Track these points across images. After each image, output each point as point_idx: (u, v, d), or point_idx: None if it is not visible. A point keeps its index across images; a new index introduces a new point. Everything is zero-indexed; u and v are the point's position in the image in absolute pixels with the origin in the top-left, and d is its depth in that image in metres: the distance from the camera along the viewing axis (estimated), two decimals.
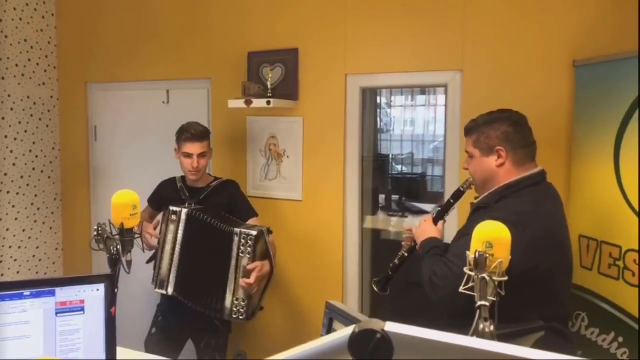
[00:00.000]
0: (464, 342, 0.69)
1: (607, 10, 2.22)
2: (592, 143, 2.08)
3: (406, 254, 1.99)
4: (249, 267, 2.21)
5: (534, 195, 1.70)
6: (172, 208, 2.32)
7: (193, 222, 2.30)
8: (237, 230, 2.23)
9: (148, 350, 2.46)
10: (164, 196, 2.60)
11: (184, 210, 2.30)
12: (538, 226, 1.61)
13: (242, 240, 2.22)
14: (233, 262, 2.22)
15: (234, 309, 2.22)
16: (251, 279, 2.19)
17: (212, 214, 2.32)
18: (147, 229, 2.48)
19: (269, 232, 2.38)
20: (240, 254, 2.22)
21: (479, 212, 1.71)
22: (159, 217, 2.48)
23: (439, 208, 1.99)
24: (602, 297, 1.99)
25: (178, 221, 2.29)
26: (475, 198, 1.90)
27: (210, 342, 2.44)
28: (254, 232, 2.22)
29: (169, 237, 2.31)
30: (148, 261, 2.44)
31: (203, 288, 2.29)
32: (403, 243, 2.05)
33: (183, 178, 2.58)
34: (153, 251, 2.43)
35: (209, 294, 2.27)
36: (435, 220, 1.93)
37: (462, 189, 1.90)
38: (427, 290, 1.69)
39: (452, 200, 1.93)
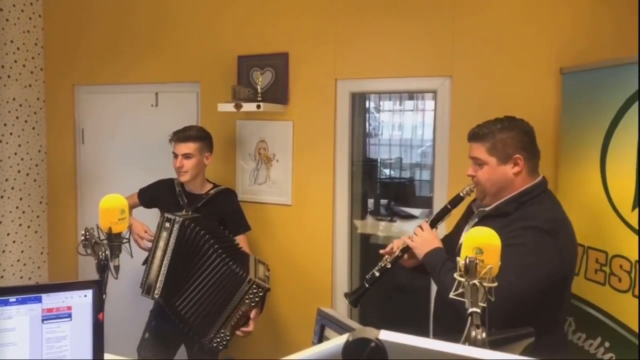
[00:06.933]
0: (457, 351, 0.69)
1: (594, 19, 2.26)
2: (579, 150, 2.10)
3: (389, 266, 1.88)
4: (252, 315, 2.27)
5: (552, 201, 1.71)
6: (167, 215, 2.30)
7: (185, 233, 2.27)
8: (250, 278, 2.24)
9: (141, 355, 2.44)
10: (159, 197, 2.60)
11: (178, 219, 2.27)
12: (568, 234, 1.65)
13: (254, 289, 2.24)
14: (235, 302, 2.24)
15: (217, 339, 2.26)
16: (250, 328, 2.28)
17: (205, 227, 2.30)
18: (137, 231, 2.47)
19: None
20: (246, 300, 2.24)
21: (495, 220, 1.65)
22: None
23: (434, 215, 1.92)
24: (588, 302, 2.01)
25: (171, 230, 2.27)
26: (473, 201, 1.87)
27: (203, 346, 2.43)
28: (267, 286, 2.30)
29: (161, 244, 2.29)
30: (144, 263, 2.42)
31: (190, 306, 2.26)
32: (382, 252, 1.93)
33: (182, 183, 2.57)
34: (147, 253, 2.41)
35: (194, 314, 2.25)
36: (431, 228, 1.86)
37: (462, 195, 1.84)
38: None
39: (449, 207, 1.87)
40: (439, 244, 1.79)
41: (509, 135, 1.69)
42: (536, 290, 1.56)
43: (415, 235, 1.83)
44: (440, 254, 1.75)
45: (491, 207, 1.74)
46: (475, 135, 1.74)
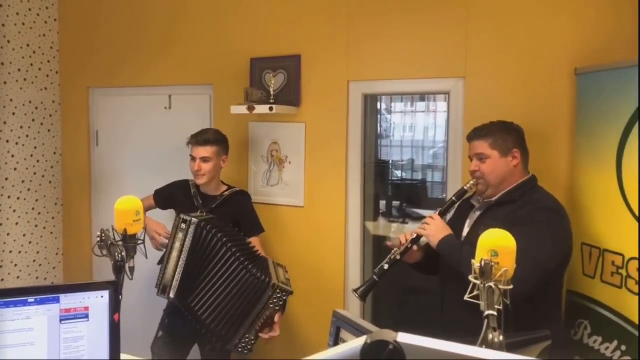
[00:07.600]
0: (475, 354, 0.69)
1: (609, 20, 2.23)
2: (594, 151, 2.08)
3: (399, 257, 1.94)
4: (276, 319, 2.27)
5: (546, 191, 1.91)
6: (182, 216, 2.30)
7: (201, 235, 2.27)
8: (273, 283, 2.25)
9: (154, 353, 2.46)
10: (175, 198, 2.62)
11: (194, 220, 2.27)
12: (568, 216, 1.85)
13: (278, 294, 2.25)
14: (260, 307, 2.25)
15: (242, 343, 2.26)
16: (276, 332, 2.28)
17: (221, 229, 2.30)
18: (156, 228, 2.49)
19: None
20: (270, 305, 2.25)
21: (502, 208, 1.86)
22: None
23: (442, 207, 2.04)
24: (604, 305, 1.99)
25: (187, 231, 2.28)
26: (470, 197, 2.03)
27: (215, 345, 2.43)
28: (290, 289, 2.30)
29: (177, 244, 2.30)
30: (159, 262, 2.44)
31: (211, 310, 2.25)
32: (389, 243, 2.02)
33: (197, 184, 2.58)
34: (162, 252, 2.43)
35: (215, 319, 2.25)
36: None
37: (466, 189, 1.99)
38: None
39: (455, 199, 2.03)
40: (451, 231, 1.92)
41: (506, 132, 1.92)
42: (554, 264, 1.74)
43: (427, 224, 1.95)
44: (455, 239, 1.90)
45: (497, 196, 1.90)
46: (477, 134, 1.95)
